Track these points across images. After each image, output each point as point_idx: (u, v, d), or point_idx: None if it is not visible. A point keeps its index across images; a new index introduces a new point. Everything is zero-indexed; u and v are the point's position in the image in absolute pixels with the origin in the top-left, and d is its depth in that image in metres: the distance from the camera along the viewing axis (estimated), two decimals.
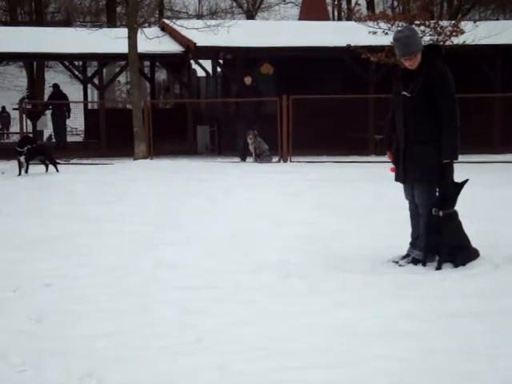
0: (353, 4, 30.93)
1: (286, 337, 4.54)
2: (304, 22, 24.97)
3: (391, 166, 6.78)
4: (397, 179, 6.68)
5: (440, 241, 6.31)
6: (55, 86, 23.00)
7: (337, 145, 17.97)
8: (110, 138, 19.99)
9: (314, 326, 4.74)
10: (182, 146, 20.23)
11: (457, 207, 6.49)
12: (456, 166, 6.46)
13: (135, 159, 17.00)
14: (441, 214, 6.29)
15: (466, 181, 6.42)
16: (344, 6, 38.94)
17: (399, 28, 17.64)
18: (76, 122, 25.25)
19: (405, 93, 6.42)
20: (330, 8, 36.23)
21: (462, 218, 6.51)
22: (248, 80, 17.75)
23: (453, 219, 6.37)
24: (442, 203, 6.31)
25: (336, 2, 40.14)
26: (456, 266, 6.25)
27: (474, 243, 6.50)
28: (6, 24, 35.42)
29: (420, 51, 6.38)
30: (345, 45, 17.98)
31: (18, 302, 5.41)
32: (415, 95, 6.35)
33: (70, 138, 24.05)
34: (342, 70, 19.62)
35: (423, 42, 17.86)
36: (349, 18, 27.22)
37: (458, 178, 6.47)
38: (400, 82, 6.52)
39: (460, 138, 6.32)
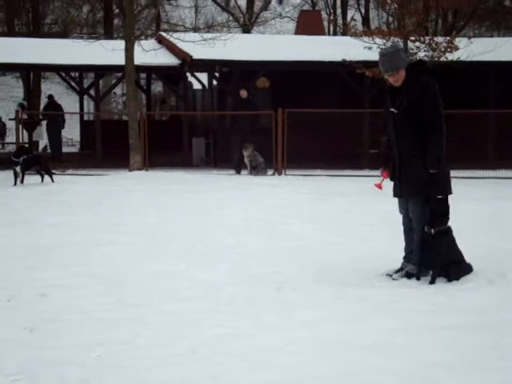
0: (348, 19, 31.12)
1: (280, 349, 4.56)
2: (300, 36, 25.13)
3: (376, 181, 6.85)
4: (394, 195, 6.72)
5: (433, 256, 6.35)
6: (50, 97, 23.04)
7: (332, 158, 18.04)
8: (105, 149, 20.02)
9: (308, 339, 4.76)
10: (178, 157, 20.26)
11: (449, 222, 6.53)
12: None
13: (130, 170, 17.03)
14: (432, 231, 6.33)
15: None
16: (340, 21, 39.15)
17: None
18: (72, 132, 25.31)
19: (392, 109, 6.50)
20: (325, 23, 36.40)
21: (454, 232, 6.55)
22: (244, 93, 17.82)
23: (446, 235, 6.40)
24: (432, 220, 6.35)
25: (332, 18, 40.36)
26: (450, 280, 6.29)
27: (468, 258, 6.54)
28: (3, 35, 35.48)
29: (403, 68, 6.43)
30: (340, 59, 18.07)
31: (13, 311, 5.41)
32: (402, 111, 6.43)
33: (65, 149, 24.07)
34: (338, 85, 19.72)
35: (417, 58, 17.89)
36: (344, 33, 27.36)
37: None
38: (388, 99, 6.60)
39: (444, 149, 6.34)
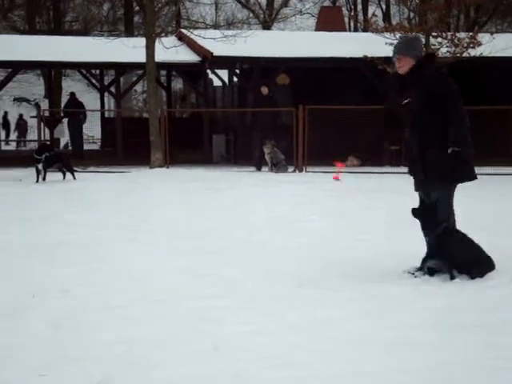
0: (369, 15, 30.99)
1: (301, 346, 4.56)
2: (320, 32, 25.06)
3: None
4: (415, 189, 6.67)
5: (445, 257, 6.33)
6: (72, 95, 23.18)
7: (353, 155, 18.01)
8: (126, 146, 20.11)
9: (330, 336, 4.75)
10: (198, 154, 20.32)
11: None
12: None
13: (151, 167, 17.08)
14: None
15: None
16: (360, 17, 39.01)
17: None
18: (93, 130, 25.43)
19: (406, 100, 6.51)
20: (346, 19, 36.29)
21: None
22: (264, 90, 17.83)
23: (449, 236, 6.35)
24: (425, 226, 6.36)
25: (352, 14, 40.24)
26: (472, 277, 6.25)
27: (490, 256, 6.48)
28: (24, 33, 35.73)
29: (411, 58, 6.44)
30: (361, 55, 18.01)
31: (37, 307, 5.44)
32: (414, 101, 6.43)
33: (86, 146, 24.19)
34: (359, 81, 19.65)
35: (440, 54, 17.69)
36: (365, 30, 27.26)
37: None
38: (397, 91, 6.68)
39: (468, 132, 6.29)
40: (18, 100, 24.06)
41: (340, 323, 5.05)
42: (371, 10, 40.83)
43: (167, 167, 17.29)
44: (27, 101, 24.04)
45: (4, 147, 29.29)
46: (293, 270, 6.72)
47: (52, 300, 5.65)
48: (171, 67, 22.64)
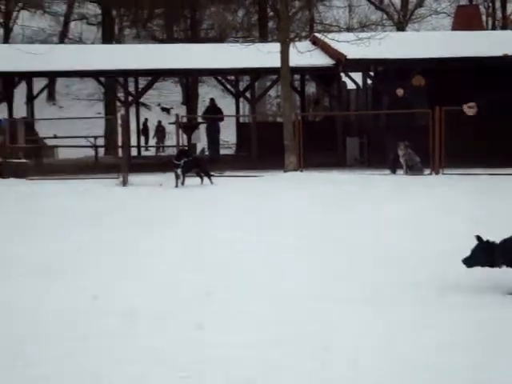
0: (508, 12, 29.97)
1: (445, 348, 4.47)
2: (457, 32, 24.48)
3: None
4: None
5: None
6: (211, 101, 23.74)
7: (493, 156, 17.44)
8: (260, 150, 20.35)
9: (470, 339, 4.64)
10: (332, 158, 20.28)
11: None
12: None
13: (285, 171, 17.20)
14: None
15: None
16: (499, 14, 37.78)
17: None
18: (228, 135, 25.94)
19: None
20: (484, 17, 35.25)
21: None
22: (400, 92, 17.60)
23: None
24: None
25: (490, 11, 39.02)
26: None
27: None
28: (162, 41, 36.93)
29: None
30: (501, 54, 17.45)
31: (180, 310, 5.55)
32: None
33: (222, 151, 24.69)
34: (498, 81, 19.01)
35: None
36: (504, 27, 26.39)
37: None
38: None
39: None
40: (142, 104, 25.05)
41: (481, 326, 4.93)
42: (510, 6, 39.44)
43: (301, 171, 17.35)
44: (145, 106, 24.97)
45: (144, 153, 30.35)
46: (433, 275, 6.59)
47: (196, 302, 5.74)
48: (305, 71, 22.74)
